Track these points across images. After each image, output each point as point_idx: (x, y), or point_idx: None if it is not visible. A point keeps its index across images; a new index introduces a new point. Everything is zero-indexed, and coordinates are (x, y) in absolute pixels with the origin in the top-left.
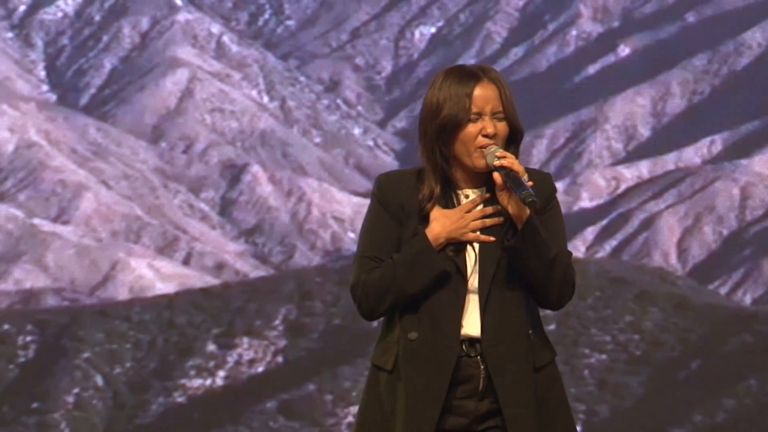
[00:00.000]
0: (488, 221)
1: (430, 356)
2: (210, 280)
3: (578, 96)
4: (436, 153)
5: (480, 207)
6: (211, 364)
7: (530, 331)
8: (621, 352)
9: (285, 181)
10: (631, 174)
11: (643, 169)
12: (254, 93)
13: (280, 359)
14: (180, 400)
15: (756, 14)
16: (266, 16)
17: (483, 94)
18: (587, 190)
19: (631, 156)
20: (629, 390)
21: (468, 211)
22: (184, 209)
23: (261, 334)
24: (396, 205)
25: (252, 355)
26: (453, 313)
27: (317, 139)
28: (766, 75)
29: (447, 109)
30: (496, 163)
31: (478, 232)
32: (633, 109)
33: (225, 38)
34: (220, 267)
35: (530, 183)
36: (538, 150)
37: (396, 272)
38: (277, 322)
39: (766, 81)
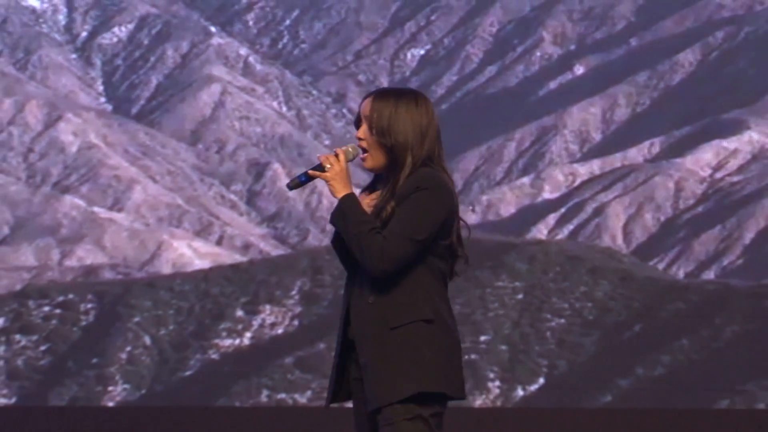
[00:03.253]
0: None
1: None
2: (238, 258)
3: (542, 106)
4: None
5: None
6: (240, 326)
7: (371, 299)
8: (577, 317)
9: None
10: (585, 170)
11: (595, 166)
12: (275, 104)
13: (296, 323)
14: (214, 356)
15: (688, 39)
16: (285, 40)
17: (362, 106)
18: (549, 184)
19: (585, 156)
20: (583, 348)
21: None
22: (217, 199)
23: (280, 302)
24: None
25: (273, 319)
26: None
27: (326, 142)
28: (696, 89)
29: None
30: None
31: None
32: (586, 117)
33: (251, 59)
34: (246, 247)
35: (312, 172)
36: (509, 150)
37: None
38: (293, 292)
39: (696, 94)
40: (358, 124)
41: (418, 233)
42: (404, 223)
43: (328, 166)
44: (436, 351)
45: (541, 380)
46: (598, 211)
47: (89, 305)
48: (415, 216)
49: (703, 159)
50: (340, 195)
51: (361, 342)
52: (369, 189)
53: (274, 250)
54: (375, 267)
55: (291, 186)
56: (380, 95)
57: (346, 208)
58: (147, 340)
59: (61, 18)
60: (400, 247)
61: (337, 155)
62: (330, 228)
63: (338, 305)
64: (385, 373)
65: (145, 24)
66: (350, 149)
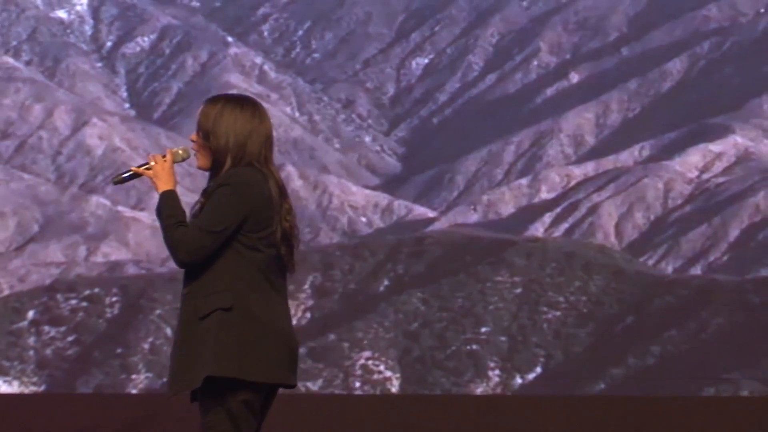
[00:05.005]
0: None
1: None
2: None
3: (539, 112)
4: None
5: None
6: None
7: (185, 290)
8: (572, 310)
9: (312, 177)
10: (580, 172)
11: (589, 168)
12: (288, 109)
13: (308, 315)
14: None
15: (676, 50)
16: (297, 50)
17: (199, 110)
18: (545, 185)
19: (580, 158)
20: (578, 339)
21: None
22: None
23: (293, 295)
24: None
25: None
26: None
27: (337, 145)
28: (684, 96)
29: None
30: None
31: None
32: (581, 122)
33: (266, 67)
34: None
35: (135, 169)
36: (508, 153)
37: None
38: (306, 286)
39: (684, 101)
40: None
41: (214, 225)
42: (203, 217)
43: (153, 163)
44: (234, 338)
45: (539, 369)
46: (592, 210)
47: (114, 298)
48: (212, 210)
49: (691, 161)
50: (160, 191)
51: (176, 330)
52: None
53: None
54: (176, 257)
55: (115, 181)
56: (210, 101)
57: (162, 203)
58: (168, 331)
59: (88, 29)
60: (197, 239)
61: (164, 155)
62: (340, 227)
63: (348, 299)
64: (183, 361)
65: (166, 34)
66: (180, 151)
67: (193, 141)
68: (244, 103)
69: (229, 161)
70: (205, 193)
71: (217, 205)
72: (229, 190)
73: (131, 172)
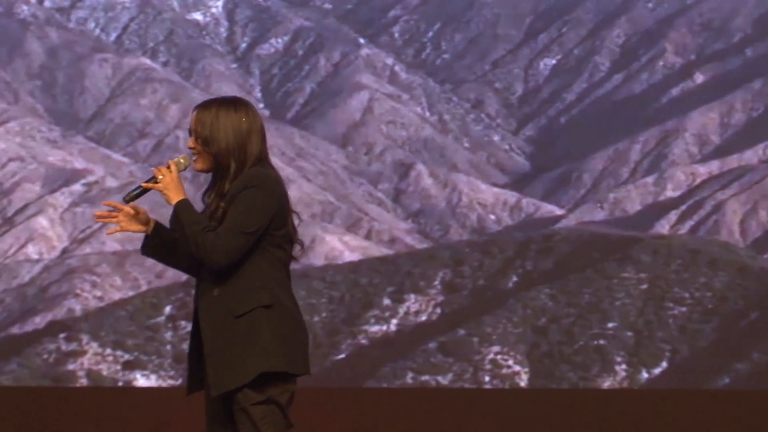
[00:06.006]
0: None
1: None
2: (385, 251)
3: (664, 112)
4: None
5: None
6: (386, 314)
7: (215, 292)
8: (697, 306)
9: (442, 176)
10: (705, 170)
11: (714, 166)
12: (418, 109)
13: (438, 310)
14: (363, 341)
15: None
16: (428, 51)
17: (191, 118)
18: (671, 183)
19: (705, 157)
20: (703, 334)
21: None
22: (365, 197)
23: (424, 291)
24: None
25: (417, 307)
26: None
27: (466, 144)
28: None
29: None
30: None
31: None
32: (706, 122)
33: (396, 68)
34: (393, 241)
35: (145, 184)
36: (634, 152)
37: None
38: (436, 282)
39: None
40: (191, 134)
41: (248, 227)
42: (235, 219)
43: (161, 177)
44: (277, 333)
45: (664, 364)
46: (717, 208)
47: None
48: (244, 211)
49: None
50: (174, 202)
51: (208, 333)
52: (209, 188)
53: (418, 243)
54: (211, 261)
55: (126, 199)
56: (203, 107)
57: (180, 212)
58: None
59: (223, 31)
60: (232, 241)
61: (169, 167)
62: (469, 224)
63: (478, 295)
64: (229, 359)
65: (299, 36)
66: (181, 160)
67: (191, 148)
68: (237, 103)
69: (232, 163)
70: (225, 197)
71: (249, 207)
72: (257, 191)
73: (141, 188)
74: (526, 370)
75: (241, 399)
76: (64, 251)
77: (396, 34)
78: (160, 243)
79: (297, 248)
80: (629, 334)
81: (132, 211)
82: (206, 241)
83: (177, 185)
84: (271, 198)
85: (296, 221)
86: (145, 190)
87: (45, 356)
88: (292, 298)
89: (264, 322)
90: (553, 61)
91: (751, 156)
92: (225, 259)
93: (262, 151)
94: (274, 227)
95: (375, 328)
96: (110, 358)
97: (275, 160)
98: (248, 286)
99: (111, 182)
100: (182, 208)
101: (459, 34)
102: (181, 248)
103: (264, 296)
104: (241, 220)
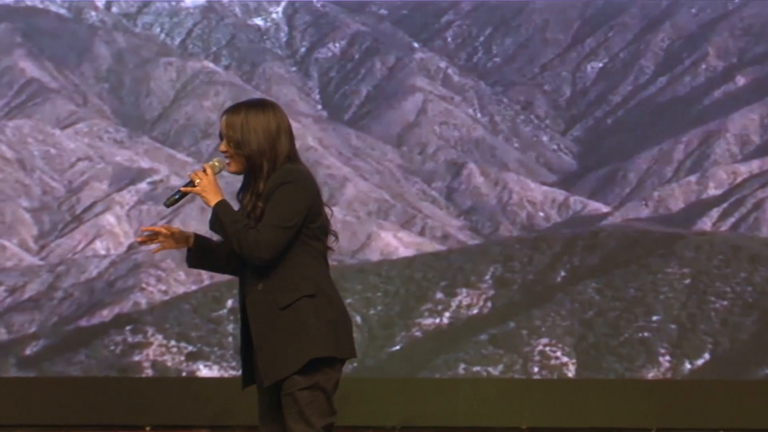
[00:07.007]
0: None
1: None
2: (438, 247)
3: (707, 113)
4: None
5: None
6: (439, 307)
7: (260, 286)
8: (738, 299)
9: (492, 175)
10: (745, 169)
11: (754, 166)
12: (470, 111)
13: (489, 304)
14: (417, 334)
15: None
16: (479, 54)
17: (220, 123)
18: (713, 182)
19: (746, 156)
20: (744, 327)
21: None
22: (419, 195)
23: (475, 285)
24: None
25: (469, 301)
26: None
27: (516, 145)
28: None
29: None
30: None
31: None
32: (747, 123)
33: (449, 71)
34: (446, 237)
35: (184, 189)
36: (677, 152)
37: None
38: (487, 277)
39: None
40: (221, 139)
41: (287, 221)
42: (274, 215)
43: (198, 180)
44: (322, 321)
45: (707, 355)
46: (757, 206)
47: None
48: (282, 206)
49: None
50: (213, 203)
51: (256, 327)
52: (243, 188)
53: (470, 239)
54: (254, 257)
55: (167, 204)
56: (232, 111)
57: (220, 213)
58: (358, 319)
59: (283, 35)
60: (273, 236)
61: (204, 170)
62: (519, 221)
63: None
64: (278, 350)
65: (356, 41)
66: (216, 163)
67: (223, 151)
68: (264, 105)
69: (265, 163)
70: (261, 196)
71: (286, 202)
72: (293, 187)
73: (181, 193)
74: (574, 361)
75: (289, 385)
76: (130, 247)
77: (449, 39)
78: (201, 254)
79: (332, 239)
80: (673, 326)
81: (167, 232)
82: (248, 238)
83: (214, 187)
84: (306, 192)
85: (329, 213)
86: (185, 194)
87: (112, 348)
88: (332, 286)
89: (309, 311)
90: (600, 65)
91: None
92: (268, 254)
93: (291, 148)
94: (311, 219)
95: (428, 321)
96: (174, 350)
97: (332, 160)
98: (291, 278)
99: (175, 181)
100: (221, 208)
101: (509, 38)
102: (222, 251)
103: (307, 286)
104: (280, 215)
